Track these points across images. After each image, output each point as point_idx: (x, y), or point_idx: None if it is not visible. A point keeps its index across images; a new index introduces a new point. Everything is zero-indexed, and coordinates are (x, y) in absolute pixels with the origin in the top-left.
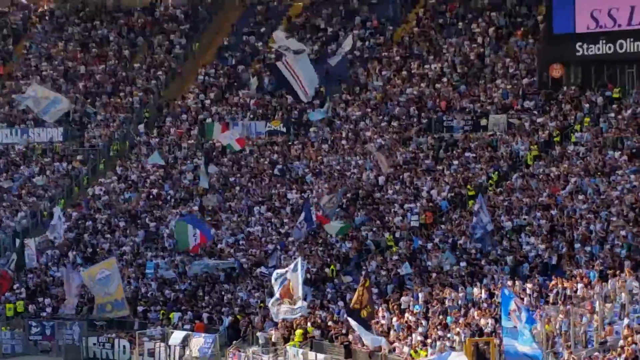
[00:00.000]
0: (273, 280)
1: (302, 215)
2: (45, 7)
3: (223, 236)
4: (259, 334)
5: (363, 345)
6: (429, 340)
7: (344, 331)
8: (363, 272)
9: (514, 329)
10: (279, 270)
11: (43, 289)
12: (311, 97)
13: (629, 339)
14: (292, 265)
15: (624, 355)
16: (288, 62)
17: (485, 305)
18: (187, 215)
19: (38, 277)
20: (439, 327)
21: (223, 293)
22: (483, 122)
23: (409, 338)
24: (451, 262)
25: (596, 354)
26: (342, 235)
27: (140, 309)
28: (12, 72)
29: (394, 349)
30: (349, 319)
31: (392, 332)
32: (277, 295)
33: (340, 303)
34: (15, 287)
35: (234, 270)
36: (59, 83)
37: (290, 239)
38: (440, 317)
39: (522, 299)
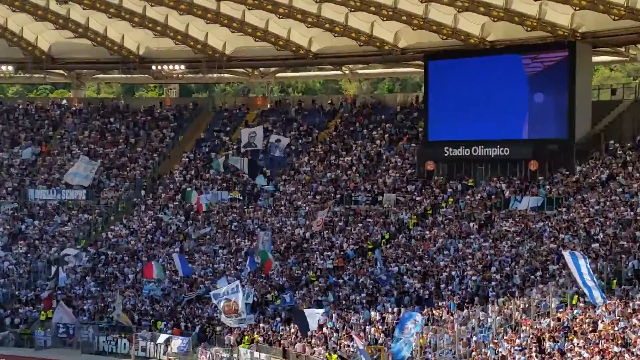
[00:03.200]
0: (214, 299)
1: (248, 259)
2: (76, 106)
3: (196, 269)
4: (225, 337)
5: (293, 345)
6: (338, 347)
7: (280, 339)
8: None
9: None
10: (214, 292)
11: (67, 302)
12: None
13: (476, 351)
14: (231, 287)
15: None
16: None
17: (379, 324)
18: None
19: (64, 293)
20: (345, 337)
21: (195, 309)
22: (379, 198)
23: (325, 345)
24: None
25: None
26: None
27: (136, 317)
28: (51, 150)
29: (314, 352)
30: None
31: (313, 340)
32: (221, 309)
33: (278, 319)
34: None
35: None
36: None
37: (243, 273)
38: (347, 330)
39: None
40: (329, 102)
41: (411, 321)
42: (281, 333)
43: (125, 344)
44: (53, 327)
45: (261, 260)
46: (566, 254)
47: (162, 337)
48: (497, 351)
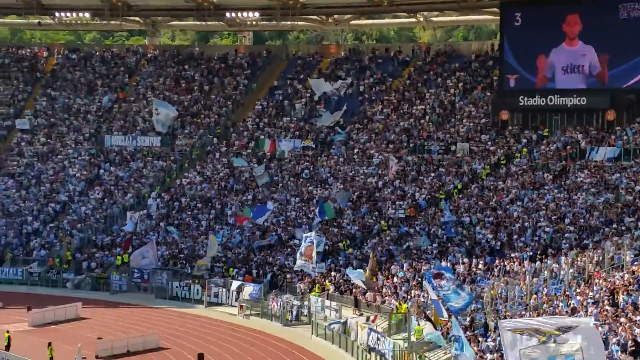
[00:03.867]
0: (303, 241)
1: (317, 208)
2: (151, 53)
3: (269, 217)
4: (296, 285)
5: (364, 295)
6: (409, 297)
7: (351, 287)
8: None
9: (443, 296)
10: (306, 234)
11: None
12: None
13: (548, 303)
14: (312, 234)
15: (544, 314)
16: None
17: None
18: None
19: (139, 239)
20: (416, 287)
21: (267, 257)
22: (453, 147)
23: (395, 294)
24: (427, 244)
25: (523, 312)
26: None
27: (209, 264)
28: (127, 97)
29: (384, 302)
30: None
31: (384, 289)
32: (302, 251)
33: (350, 267)
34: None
35: (276, 242)
36: None
37: (314, 222)
38: (418, 280)
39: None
40: (398, 49)
41: (436, 281)
42: (353, 282)
43: (198, 289)
44: (129, 271)
45: (327, 213)
46: None
47: (235, 284)
48: (569, 303)
